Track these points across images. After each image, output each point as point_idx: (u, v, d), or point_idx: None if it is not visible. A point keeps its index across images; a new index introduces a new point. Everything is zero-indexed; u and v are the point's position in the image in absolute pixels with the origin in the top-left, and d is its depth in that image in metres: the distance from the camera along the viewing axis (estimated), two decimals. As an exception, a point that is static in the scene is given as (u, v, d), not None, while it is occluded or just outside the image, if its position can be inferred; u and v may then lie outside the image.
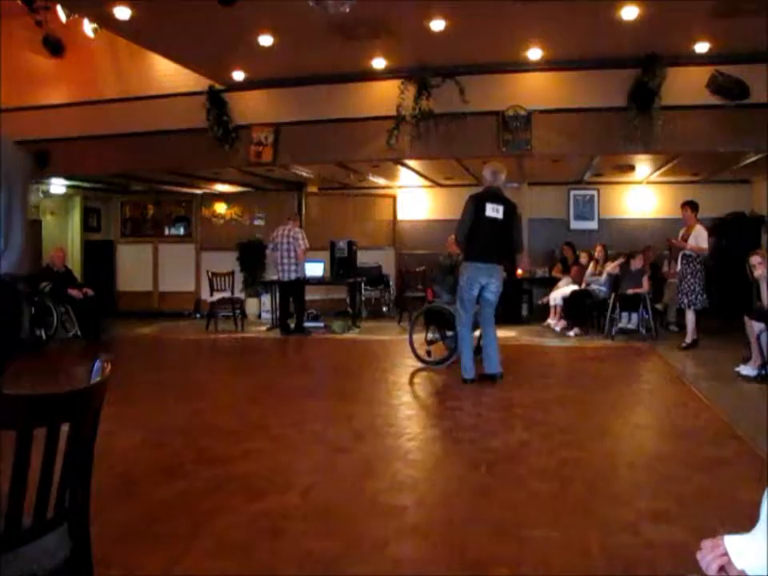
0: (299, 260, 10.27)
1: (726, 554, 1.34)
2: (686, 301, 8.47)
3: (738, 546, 1.33)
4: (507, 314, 9.78)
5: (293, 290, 10.35)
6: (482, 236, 6.44)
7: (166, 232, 13.63)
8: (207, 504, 3.37)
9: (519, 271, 11.07)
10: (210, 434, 4.75)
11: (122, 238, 13.69)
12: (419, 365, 7.78)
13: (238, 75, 9.76)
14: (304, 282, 10.48)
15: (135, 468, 3.96)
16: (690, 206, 8.67)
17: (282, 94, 10.17)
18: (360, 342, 9.75)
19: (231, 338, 10.28)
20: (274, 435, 4.67)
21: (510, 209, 6.56)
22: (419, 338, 7.69)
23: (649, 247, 10.67)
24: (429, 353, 7.58)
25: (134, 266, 13.44)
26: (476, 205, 6.47)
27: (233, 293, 11.34)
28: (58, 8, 9.19)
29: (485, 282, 6.47)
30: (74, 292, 9.57)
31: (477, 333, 6.89)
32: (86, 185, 13.13)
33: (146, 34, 8.21)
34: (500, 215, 6.47)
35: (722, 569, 1.34)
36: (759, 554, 1.30)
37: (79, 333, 9.51)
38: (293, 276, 10.26)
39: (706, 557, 1.36)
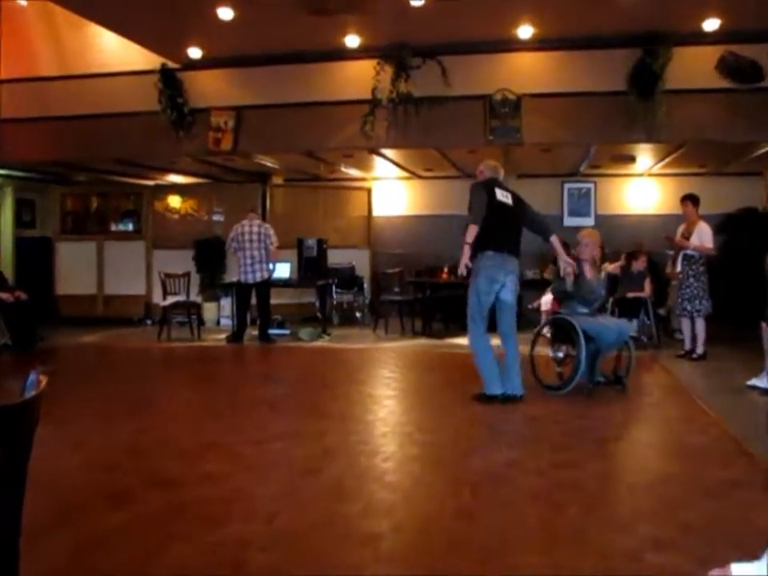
0: (272, 258, 10.23)
1: (734, 581, 1.36)
2: (689, 308, 8.44)
3: (746, 574, 1.35)
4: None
5: (257, 293, 10.27)
6: (495, 224, 6.15)
7: (113, 228, 13.51)
8: (159, 533, 3.34)
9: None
10: (162, 455, 4.70)
11: (61, 235, 13.54)
12: (394, 374, 7.79)
13: (195, 52, 9.73)
14: (270, 283, 10.43)
15: (76, 493, 3.91)
16: (691, 199, 8.60)
17: (244, 74, 10.16)
18: (331, 350, 9.73)
19: (187, 346, 10.21)
20: (234, 455, 4.64)
21: (517, 196, 6.46)
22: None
23: (641, 246, 10.72)
24: (561, 375, 6.96)
25: (75, 266, 13.29)
26: (485, 190, 6.23)
27: (188, 296, 11.25)
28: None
29: (503, 279, 6.21)
30: (4, 295, 9.41)
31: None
32: (18, 173, 12.97)
33: (88, 3, 8.11)
34: (510, 201, 6.34)
35: (730, 598, 1.36)
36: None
37: (10, 342, 9.36)
38: (259, 277, 10.18)
39: (714, 585, 1.38)
